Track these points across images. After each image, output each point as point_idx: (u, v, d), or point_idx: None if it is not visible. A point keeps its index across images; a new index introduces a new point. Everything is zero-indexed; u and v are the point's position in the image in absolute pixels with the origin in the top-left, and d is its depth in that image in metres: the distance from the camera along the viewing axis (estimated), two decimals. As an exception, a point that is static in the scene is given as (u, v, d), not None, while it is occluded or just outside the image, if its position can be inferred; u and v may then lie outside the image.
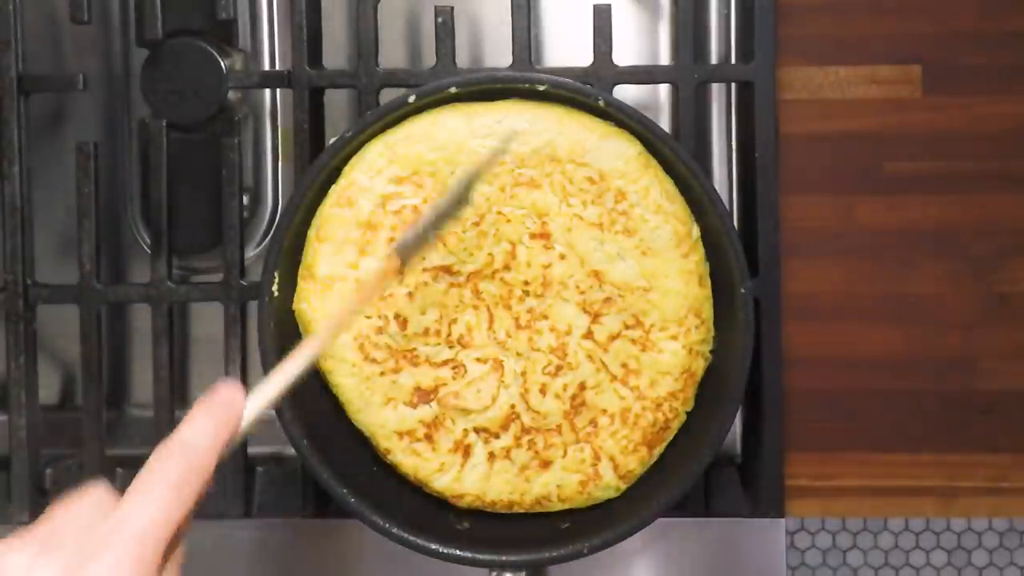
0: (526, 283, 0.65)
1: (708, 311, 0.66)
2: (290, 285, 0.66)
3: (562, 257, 0.65)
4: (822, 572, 1.35)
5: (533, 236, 0.65)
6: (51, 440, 0.73)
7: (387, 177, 0.64)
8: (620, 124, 0.65)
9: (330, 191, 0.65)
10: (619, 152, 0.64)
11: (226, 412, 0.50)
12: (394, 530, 0.64)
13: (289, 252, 0.65)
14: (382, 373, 0.65)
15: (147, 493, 0.45)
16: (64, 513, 0.45)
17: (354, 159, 0.65)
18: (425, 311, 0.65)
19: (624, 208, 0.64)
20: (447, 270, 0.65)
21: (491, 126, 0.64)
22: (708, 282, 0.66)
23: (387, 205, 0.64)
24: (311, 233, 0.65)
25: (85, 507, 0.46)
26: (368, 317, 0.65)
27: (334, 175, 0.65)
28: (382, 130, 0.66)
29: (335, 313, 0.57)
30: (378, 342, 0.65)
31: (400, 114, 0.65)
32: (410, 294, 0.65)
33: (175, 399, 0.72)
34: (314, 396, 0.66)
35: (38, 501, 0.72)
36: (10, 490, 0.71)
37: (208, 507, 0.71)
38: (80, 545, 0.44)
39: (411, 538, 0.64)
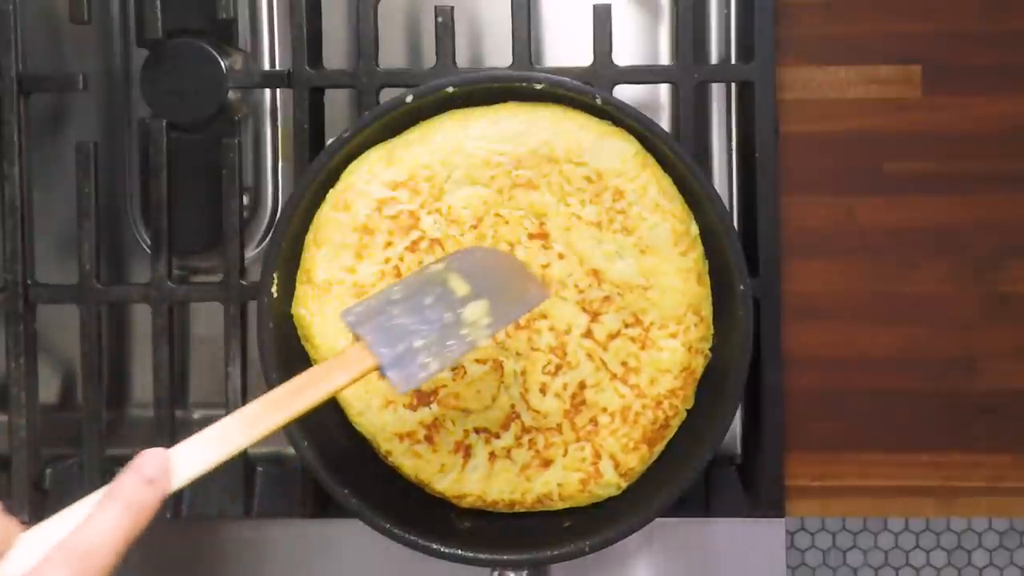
0: (525, 283, 0.65)
1: (707, 309, 0.66)
2: (290, 286, 0.66)
3: (561, 256, 0.65)
4: (822, 572, 1.35)
5: (531, 236, 0.65)
6: (51, 440, 0.73)
7: (383, 181, 0.64)
8: (618, 123, 0.65)
9: (327, 195, 0.65)
10: (617, 151, 0.64)
11: (142, 497, 0.46)
12: (395, 530, 0.64)
13: (288, 253, 0.65)
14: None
15: None
16: None
17: (352, 164, 0.65)
18: (424, 313, 0.65)
19: (622, 207, 0.64)
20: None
21: (486, 128, 0.64)
22: (707, 280, 0.66)
23: (383, 209, 0.64)
24: (308, 237, 0.65)
25: None
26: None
27: (333, 178, 0.65)
28: (383, 135, 0.66)
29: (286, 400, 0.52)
30: (377, 344, 0.65)
31: (402, 122, 0.65)
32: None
33: (175, 399, 0.72)
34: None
35: (38, 501, 0.72)
36: (10, 490, 0.71)
37: (208, 507, 0.72)
38: None
39: (412, 538, 0.64)
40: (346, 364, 0.53)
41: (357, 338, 0.53)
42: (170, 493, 0.48)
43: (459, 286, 0.56)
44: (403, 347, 0.53)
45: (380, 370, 0.53)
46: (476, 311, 0.56)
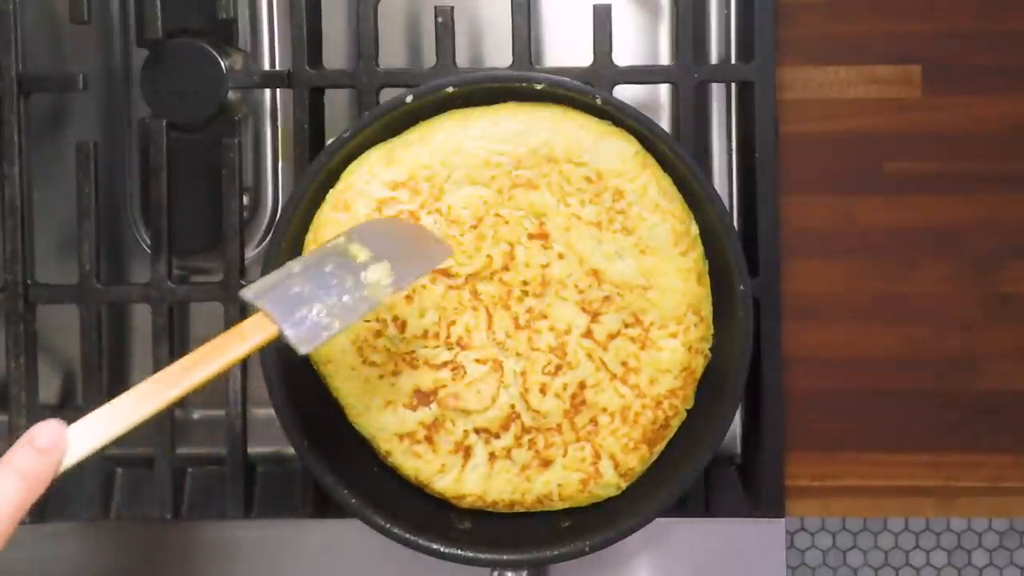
0: (525, 283, 0.65)
1: (707, 309, 0.66)
2: (290, 285, 0.66)
3: (560, 257, 0.65)
4: (822, 572, 1.35)
5: (531, 237, 0.65)
6: (51, 440, 0.73)
7: (383, 181, 0.64)
8: (618, 123, 0.65)
9: (327, 195, 0.65)
10: (616, 151, 0.64)
11: (36, 467, 0.47)
12: (395, 530, 0.64)
13: (288, 253, 0.65)
14: (381, 376, 0.65)
15: None
16: None
17: (353, 164, 0.65)
18: (423, 313, 0.65)
19: (622, 207, 0.64)
20: (445, 273, 0.65)
21: (486, 128, 0.64)
22: (707, 280, 0.66)
23: (383, 209, 0.64)
24: (308, 237, 0.65)
25: None
26: (367, 321, 0.65)
27: (333, 178, 0.65)
28: (383, 135, 0.66)
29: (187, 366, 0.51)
30: (377, 345, 0.65)
31: (402, 122, 0.65)
32: (408, 297, 0.65)
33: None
34: (314, 399, 0.66)
35: (38, 501, 0.72)
36: (10, 490, 0.71)
37: (208, 507, 0.72)
38: None
39: (412, 538, 0.64)
40: (244, 334, 0.52)
41: (256, 311, 0.53)
42: (64, 468, 0.48)
43: (359, 253, 0.56)
44: (304, 311, 0.53)
45: (281, 335, 0.52)
46: (377, 272, 0.56)
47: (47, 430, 0.48)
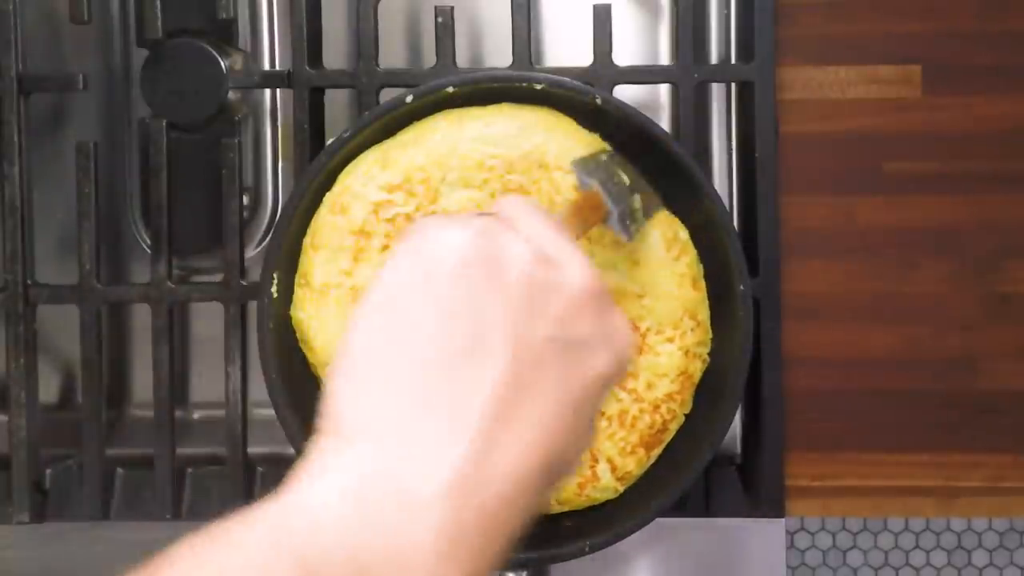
0: (523, 286, 0.64)
1: (704, 313, 0.66)
2: (290, 286, 0.66)
3: (555, 264, 0.64)
4: (822, 572, 1.35)
5: (524, 243, 0.64)
6: (51, 440, 0.73)
7: (379, 184, 0.64)
8: (617, 123, 0.65)
9: (324, 198, 0.65)
10: None
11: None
12: (394, 530, 0.64)
13: (288, 253, 0.65)
14: (380, 377, 0.65)
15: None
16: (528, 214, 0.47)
17: (349, 166, 0.65)
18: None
19: None
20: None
21: (481, 130, 0.64)
22: (702, 284, 0.65)
23: (380, 212, 0.64)
24: (306, 240, 0.65)
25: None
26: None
27: (333, 179, 0.65)
28: (382, 135, 0.65)
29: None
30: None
31: (401, 122, 0.65)
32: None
33: (175, 399, 0.72)
34: (314, 399, 0.66)
35: (38, 501, 0.72)
36: (10, 490, 0.71)
37: (208, 507, 0.72)
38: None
39: (411, 538, 0.64)
40: (584, 209, 0.57)
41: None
42: None
43: (623, 177, 0.60)
44: (619, 207, 0.58)
45: (607, 218, 0.58)
46: (637, 201, 0.60)
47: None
